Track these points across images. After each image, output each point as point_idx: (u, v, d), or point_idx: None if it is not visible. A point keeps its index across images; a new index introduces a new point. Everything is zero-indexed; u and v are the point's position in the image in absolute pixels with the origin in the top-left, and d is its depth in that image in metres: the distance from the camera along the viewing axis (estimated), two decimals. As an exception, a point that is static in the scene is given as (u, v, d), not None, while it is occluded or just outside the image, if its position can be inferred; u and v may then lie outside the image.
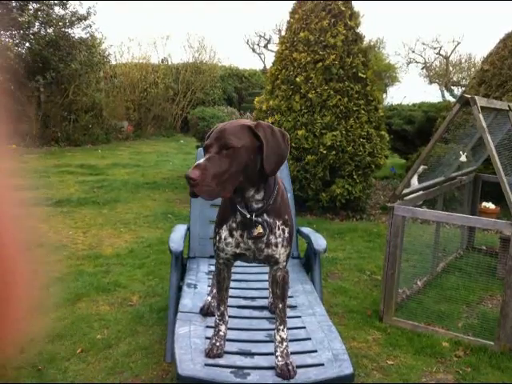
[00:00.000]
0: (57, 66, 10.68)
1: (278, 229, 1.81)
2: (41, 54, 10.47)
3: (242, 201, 1.75)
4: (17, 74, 9.81)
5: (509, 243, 2.90)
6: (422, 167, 4.33)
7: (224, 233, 1.83)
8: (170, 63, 16.16)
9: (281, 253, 1.84)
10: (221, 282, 1.96)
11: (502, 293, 2.95)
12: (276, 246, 1.82)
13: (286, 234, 1.83)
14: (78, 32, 11.62)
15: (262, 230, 1.77)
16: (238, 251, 1.84)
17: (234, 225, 1.81)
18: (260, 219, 1.76)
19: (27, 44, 10.72)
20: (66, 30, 11.13)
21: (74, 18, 11.18)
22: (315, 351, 1.97)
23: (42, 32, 10.79)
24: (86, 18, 11.39)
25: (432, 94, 19.62)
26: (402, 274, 3.44)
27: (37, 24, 10.74)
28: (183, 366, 1.78)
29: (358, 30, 5.94)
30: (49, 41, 10.62)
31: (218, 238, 1.85)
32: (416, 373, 2.69)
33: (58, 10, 11.06)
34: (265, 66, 22.52)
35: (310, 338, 2.08)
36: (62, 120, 11.47)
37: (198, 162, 1.58)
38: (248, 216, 1.75)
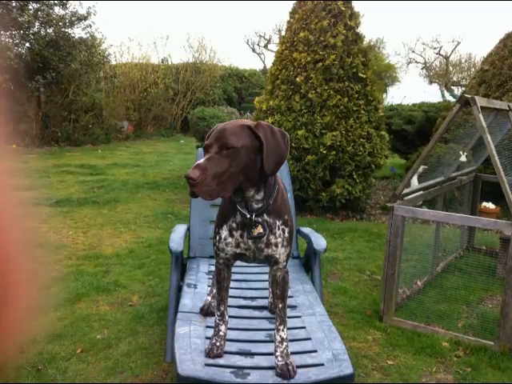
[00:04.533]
0: (57, 65, 10.68)
1: (278, 229, 1.81)
2: (41, 54, 10.47)
3: (242, 201, 1.75)
4: (17, 74, 9.81)
5: (509, 243, 2.90)
6: (422, 167, 4.33)
7: (224, 233, 1.83)
8: (170, 63, 16.17)
9: (281, 253, 1.84)
10: (221, 281, 1.96)
11: (502, 293, 2.95)
12: (276, 245, 1.82)
13: (286, 234, 1.83)
14: (78, 32, 11.71)
15: (262, 230, 1.77)
16: (238, 251, 1.84)
17: (233, 225, 1.81)
18: (260, 219, 1.76)
19: (27, 44, 10.72)
20: (66, 30, 11.14)
21: (73, 18, 11.18)
22: (315, 351, 1.97)
23: (42, 32, 10.79)
24: (85, 18, 11.40)
25: (432, 94, 19.67)
26: (402, 274, 3.44)
27: (37, 24, 10.74)
28: (183, 366, 1.78)
29: (358, 30, 5.94)
30: (49, 41, 10.62)
31: (217, 237, 1.85)
32: (416, 373, 2.69)
33: (57, 10, 11.08)
34: (265, 66, 22.55)
35: (310, 338, 2.08)
36: (62, 120, 11.48)
37: (197, 162, 1.57)
38: (248, 216, 1.75)
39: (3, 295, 0.57)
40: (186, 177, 1.54)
